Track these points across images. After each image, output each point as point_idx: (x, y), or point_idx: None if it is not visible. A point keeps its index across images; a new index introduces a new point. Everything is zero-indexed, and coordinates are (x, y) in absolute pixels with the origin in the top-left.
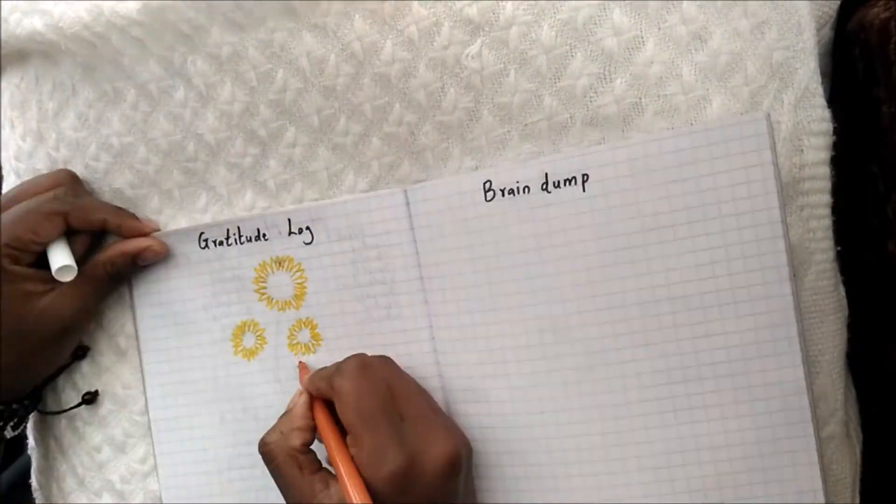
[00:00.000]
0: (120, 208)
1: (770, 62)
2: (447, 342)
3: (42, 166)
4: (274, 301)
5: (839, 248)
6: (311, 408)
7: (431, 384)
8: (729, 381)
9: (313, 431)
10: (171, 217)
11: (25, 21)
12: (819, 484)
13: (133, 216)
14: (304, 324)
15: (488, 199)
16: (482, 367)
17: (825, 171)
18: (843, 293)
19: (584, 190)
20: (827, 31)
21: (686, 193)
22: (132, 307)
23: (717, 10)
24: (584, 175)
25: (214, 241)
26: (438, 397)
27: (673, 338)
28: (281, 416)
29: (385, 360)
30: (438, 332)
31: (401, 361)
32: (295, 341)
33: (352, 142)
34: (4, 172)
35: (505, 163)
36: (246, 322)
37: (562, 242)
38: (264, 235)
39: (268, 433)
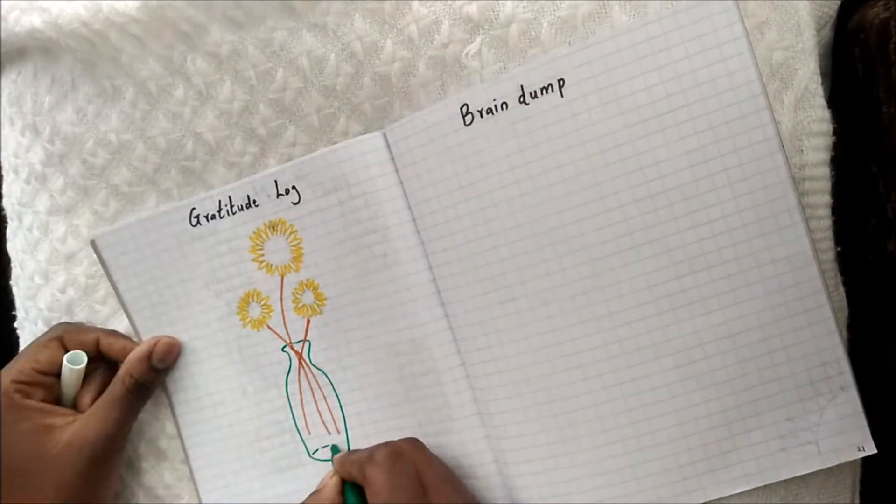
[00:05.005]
0: (112, 330)
1: (770, 62)
2: (449, 278)
3: (37, 161)
4: (273, 267)
5: (839, 249)
6: (340, 491)
7: (438, 326)
8: (736, 265)
9: None
10: None
11: (24, 19)
12: (842, 352)
13: (126, 337)
14: (306, 285)
15: (467, 123)
16: (487, 296)
17: (825, 171)
18: (843, 293)
19: (562, 95)
20: (827, 32)
21: (664, 81)
22: (124, 305)
23: None
24: (559, 80)
25: (206, 216)
26: (447, 339)
27: (674, 230)
28: (311, 493)
29: (415, 446)
30: (438, 270)
31: (405, 309)
32: (300, 304)
33: None
34: (4, 171)
35: (479, 84)
36: (249, 293)
37: (548, 153)
38: (254, 202)
39: None
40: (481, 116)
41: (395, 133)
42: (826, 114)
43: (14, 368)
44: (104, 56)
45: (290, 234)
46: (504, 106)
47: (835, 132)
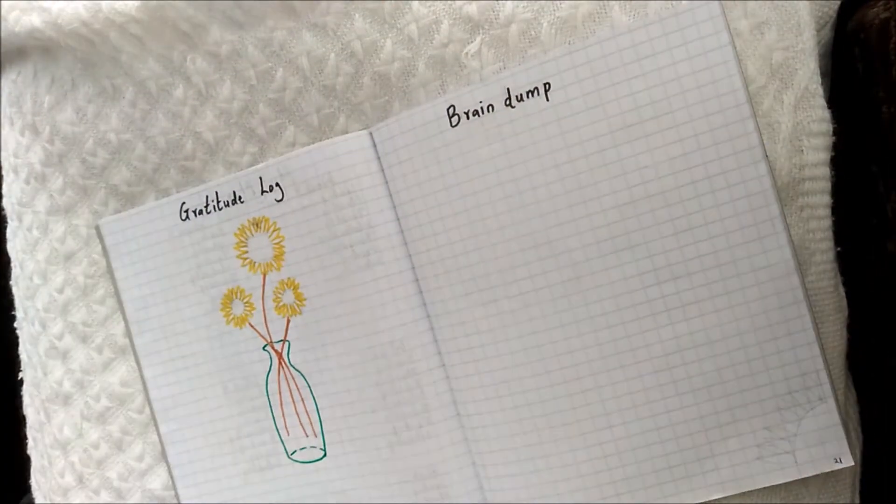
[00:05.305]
0: None
1: (770, 62)
2: (431, 279)
3: (36, 160)
4: (256, 265)
5: (839, 249)
6: None
7: (420, 327)
8: (717, 273)
9: None
10: None
11: (24, 19)
12: (821, 363)
13: None
14: (287, 284)
15: (454, 124)
16: (469, 297)
17: (825, 171)
18: (843, 293)
19: (547, 99)
20: (827, 32)
21: (649, 87)
22: (117, 292)
23: None
24: (545, 84)
25: (195, 211)
26: (428, 340)
27: (656, 236)
28: None
29: None
30: (421, 270)
31: (386, 310)
32: (281, 303)
33: None
34: (4, 171)
35: (466, 86)
36: (232, 290)
37: (532, 156)
38: (240, 198)
39: None
40: (467, 118)
41: (382, 132)
42: (826, 114)
43: None
44: (104, 56)
45: (273, 231)
46: (490, 108)
47: (835, 132)
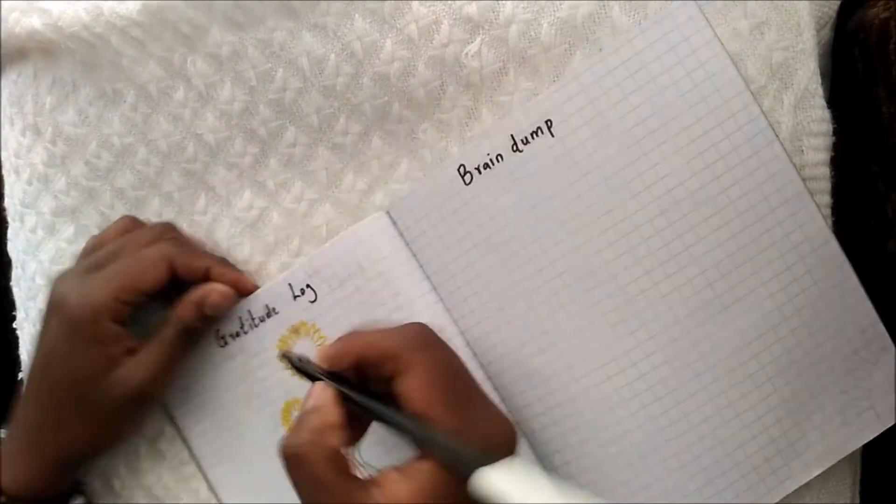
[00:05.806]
0: (224, 259)
1: (770, 63)
2: (482, 338)
3: (39, 161)
4: None
5: None
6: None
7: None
8: (762, 259)
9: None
10: (171, 220)
11: (24, 20)
12: (875, 315)
13: (238, 270)
14: None
15: (467, 182)
16: (525, 347)
17: (825, 171)
18: None
19: (552, 135)
20: (827, 32)
21: (649, 99)
22: (175, 424)
23: (716, 10)
24: (547, 121)
25: (231, 335)
26: (487, 388)
27: (694, 239)
28: (302, 414)
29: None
30: (470, 333)
31: None
32: None
33: (351, 141)
34: (4, 171)
35: (469, 141)
36: (289, 402)
37: (552, 193)
38: (274, 309)
39: (291, 434)
40: (479, 173)
41: (398, 209)
42: (826, 114)
43: (120, 284)
44: (105, 60)
45: (314, 333)
46: (499, 158)
47: (835, 132)
